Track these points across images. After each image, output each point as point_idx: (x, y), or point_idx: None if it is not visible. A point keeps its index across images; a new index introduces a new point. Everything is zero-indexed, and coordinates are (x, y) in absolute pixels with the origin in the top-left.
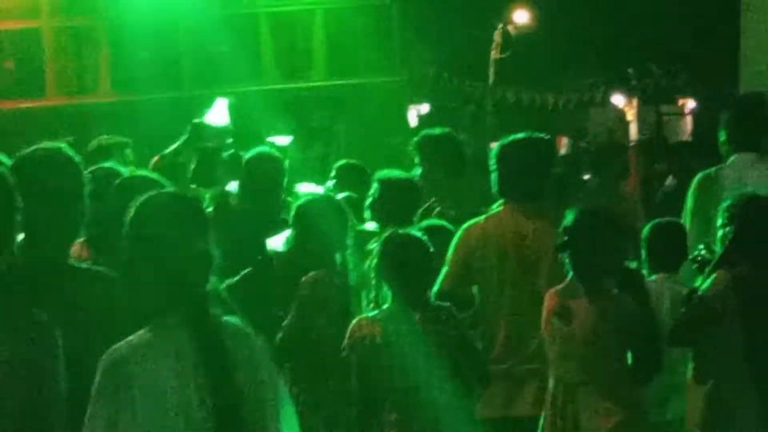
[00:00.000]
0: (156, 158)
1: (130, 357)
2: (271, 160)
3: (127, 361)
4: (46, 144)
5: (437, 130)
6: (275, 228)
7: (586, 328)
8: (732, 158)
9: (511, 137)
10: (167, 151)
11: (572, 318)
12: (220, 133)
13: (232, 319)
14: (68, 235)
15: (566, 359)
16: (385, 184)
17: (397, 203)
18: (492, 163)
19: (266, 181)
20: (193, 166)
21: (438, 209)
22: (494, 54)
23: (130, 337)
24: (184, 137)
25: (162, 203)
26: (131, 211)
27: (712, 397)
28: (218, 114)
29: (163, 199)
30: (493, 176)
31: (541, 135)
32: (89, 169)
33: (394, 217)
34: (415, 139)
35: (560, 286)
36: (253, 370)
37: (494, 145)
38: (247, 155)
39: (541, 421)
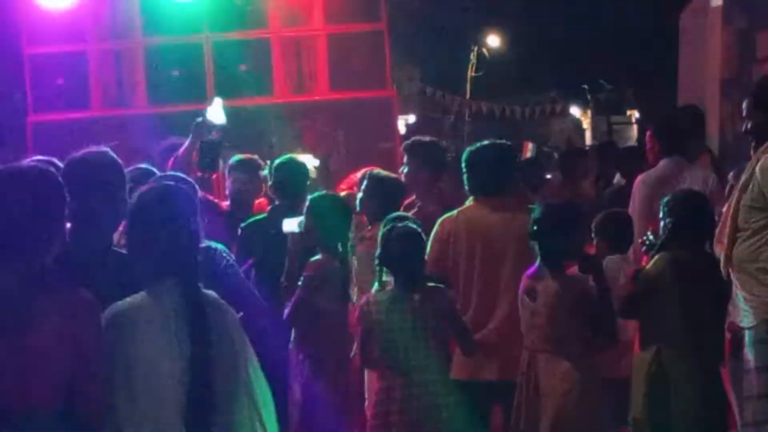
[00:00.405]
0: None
1: (126, 311)
2: (298, 165)
3: (124, 314)
4: (95, 148)
5: (426, 138)
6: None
7: (548, 305)
8: (662, 162)
9: (478, 144)
10: (181, 149)
11: (538, 296)
12: (218, 127)
13: (211, 293)
14: (111, 224)
15: (532, 330)
16: (374, 180)
17: (383, 197)
18: (463, 165)
19: (294, 180)
20: (198, 156)
21: (419, 204)
22: (470, 72)
23: (130, 297)
24: (190, 134)
25: (159, 192)
26: (136, 197)
27: (654, 359)
28: (216, 112)
29: (159, 189)
30: (465, 176)
31: (503, 142)
32: (128, 169)
33: (381, 209)
34: (407, 143)
35: (531, 270)
36: (228, 338)
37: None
38: (278, 161)
39: None
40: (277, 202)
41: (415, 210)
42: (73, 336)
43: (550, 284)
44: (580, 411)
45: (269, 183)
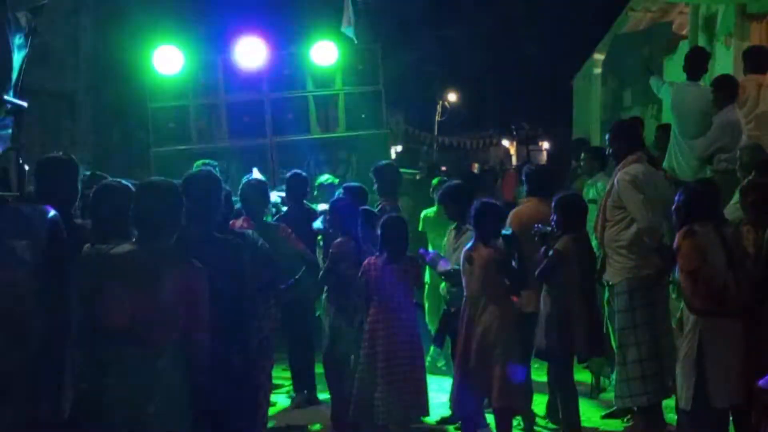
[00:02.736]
0: None
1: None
2: (302, 179)
3: None
4: (202, 167)
5: (383, 162)
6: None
7: (481, 266)
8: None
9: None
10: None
11: (474, 261)
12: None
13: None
14: (212, 218)
15: (471, 284)
16: (345, 189)
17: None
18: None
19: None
20: None
21: (383, 205)
22: (437, 117)
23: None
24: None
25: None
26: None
27: (559, 313)
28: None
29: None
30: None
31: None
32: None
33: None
34: (373, 168)
35: (469, 245)
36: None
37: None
38: (287, 176)
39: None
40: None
41: (380, 208)
42: (187, 293)
43: (483, 252)
44: (499, 334)
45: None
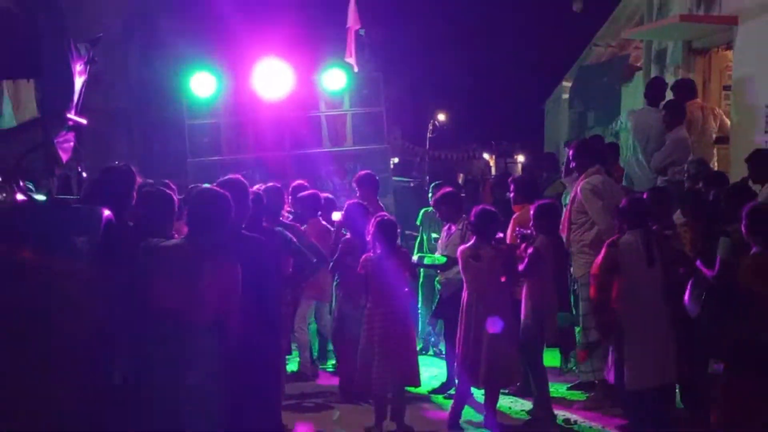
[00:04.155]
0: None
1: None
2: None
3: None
4: (232, 176)
5: (363, 172)
6: None
7: (489, 263)
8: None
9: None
10: None
11: (482, 258)
12: None
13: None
14: (241, 219)
15: (477, 279)
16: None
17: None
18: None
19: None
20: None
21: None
22: (429, 134)
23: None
24: None
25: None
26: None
27: (534, 303)
28: None
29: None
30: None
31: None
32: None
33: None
34: (357, 176)
35: (468, 245)
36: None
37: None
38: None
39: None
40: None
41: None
42: (221, 282)
43: (489, 251)
44: (502, 314)
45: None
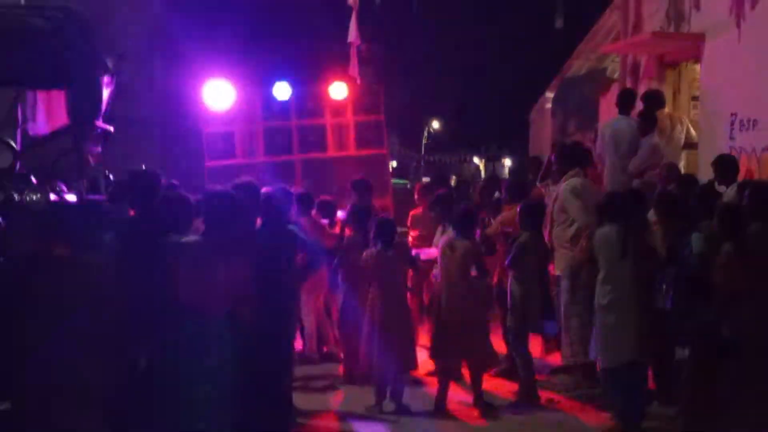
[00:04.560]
0: None
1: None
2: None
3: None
4: (245, 178)
5: (356, 178)
6: None
7: (463, 255)
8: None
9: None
10: None
11: (456, 249)
12: None
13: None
14: (254, 217)
15: (450, 268)
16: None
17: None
18: None
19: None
20: None
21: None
22: (424, 139)
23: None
24: None
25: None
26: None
27: (520, 294)
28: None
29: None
30: None
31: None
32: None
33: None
34: (352, 181)
35: (448, 236)
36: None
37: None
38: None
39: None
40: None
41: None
42: (234, 275)
43: (464, 244)
44: (471, 309)
45: None
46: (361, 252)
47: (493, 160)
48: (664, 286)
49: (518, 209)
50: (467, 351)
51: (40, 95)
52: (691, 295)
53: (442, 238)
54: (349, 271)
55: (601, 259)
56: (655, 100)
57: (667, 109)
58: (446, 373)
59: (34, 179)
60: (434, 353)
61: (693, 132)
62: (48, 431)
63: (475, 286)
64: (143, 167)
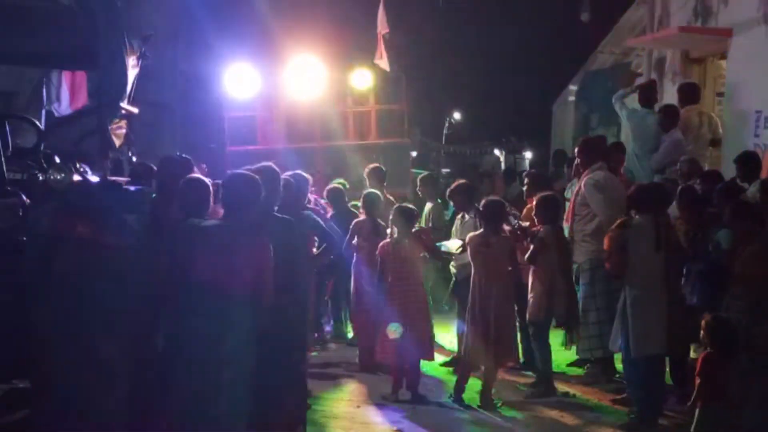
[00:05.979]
0: None
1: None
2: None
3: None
4: (265, 163)
5: (375, 165)
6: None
7: (497, 251)
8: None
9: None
10: None
11: (491, 246)
12: None
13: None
14: (273, 202)
15: (487, 265)
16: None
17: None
18: None
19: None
20: None
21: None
22: (445, 130)
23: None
24: None
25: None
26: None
27: (543, 287)
28: None
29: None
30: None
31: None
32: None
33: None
34: (367, 170)
35: (477, 233)
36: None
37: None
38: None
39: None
40: None
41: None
42: (255, 259)
43: (499, 240)
44: (505, 304)
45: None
46: (365, 237)
47: (513, 153)
48: (692, 282)
49: (534, 203)
50: (495, 345)
51: (66, 76)
52: (719, 291)
53: (471, 235)
54: (360, 257)
55: (633, 250)
56: (691, 92)
57: (698, 105)
58: (470, 367)
59: (57, 159)
60: (466, 352)
61: (721, 129)
62: (69, 410)
63: (511, 279)
64: (178, 153)
